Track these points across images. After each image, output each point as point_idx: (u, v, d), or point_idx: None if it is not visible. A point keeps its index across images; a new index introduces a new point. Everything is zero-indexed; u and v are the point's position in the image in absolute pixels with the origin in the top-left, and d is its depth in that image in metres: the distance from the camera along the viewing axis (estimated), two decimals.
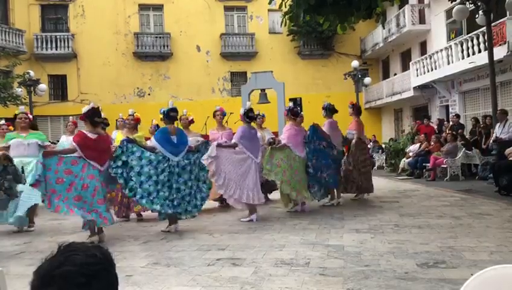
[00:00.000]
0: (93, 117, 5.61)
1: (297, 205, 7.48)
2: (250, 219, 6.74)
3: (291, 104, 7.84)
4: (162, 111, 6.38)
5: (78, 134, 5.73)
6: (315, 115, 8.76)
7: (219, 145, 6.63)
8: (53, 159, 5.36)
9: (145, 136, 7.46)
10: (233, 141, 6.92)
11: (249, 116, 7.02)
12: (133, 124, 7.40)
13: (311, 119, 8.44)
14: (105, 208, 5.53)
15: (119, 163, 5.77)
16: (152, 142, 6.20)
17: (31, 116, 6.82)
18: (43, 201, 5.28)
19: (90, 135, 5.59)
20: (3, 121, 7.35)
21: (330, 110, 8.28)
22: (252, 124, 7.32)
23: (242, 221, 6.74)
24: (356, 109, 8.75)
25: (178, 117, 7.87)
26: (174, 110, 6.34)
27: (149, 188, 5.87)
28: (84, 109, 5.71)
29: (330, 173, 7.85)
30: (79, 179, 5.37)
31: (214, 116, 7.89)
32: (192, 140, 6.98)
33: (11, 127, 6.85)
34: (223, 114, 7.90)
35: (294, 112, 7.68)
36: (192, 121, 8.00)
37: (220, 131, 7.82)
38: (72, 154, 5.52)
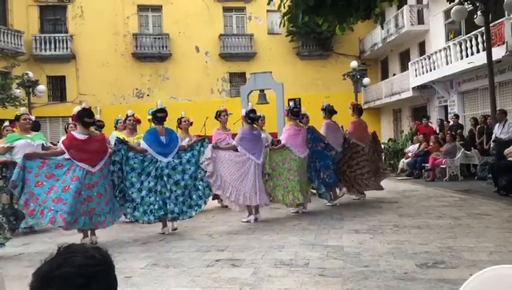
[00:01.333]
0: (84, 118, 5.60)
1: (299, 206, 7.46)
2: (248, 219, 6.74)
3: (291, 103, 7.76)
4: (150, 112, 6.37)
5: (66, 136, 5.74)
6: (315, 116, 8.74)
7: (216, 147, 6.63)
8: (35, 161, 5.34)
9: None
10: (233, 142, 6.91)
11: (250, 117, 6.96)
12: (135, 124, 7.38)
13: (310, 120, 8.45)
14: (82, 210, 5.42)
15: (118, 165, 5.84)
16: (142, 144, 6.17)
17: (33, 117, 6.81)
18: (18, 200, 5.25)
19: (79, 136, 5.57)
20: (7, 123, 7.34)
21: (329, 111, 8.25)
22: (254, 125, 7.28)
23: (242, 221, 6.75)
24: (357, 110, 8.72)
25: (177, 120, 7.88)
26: (161, 110, 6.26)
27: (132, 195, 5.91)
28: (75, 109, 5.72)
29: (329, 174, 7.88)
30: (61, 183, 5.35)
31: (219, 116, 7.70)
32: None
33: (15, 129, 6.83)
34: (227, 114, 7.85)
35: (295, 112, 7.62)
36: (191, 124, 7.97)
37: (225, 131, 7.65)
38: (60, 157, 5.53)
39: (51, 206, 5.25)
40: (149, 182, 5.96)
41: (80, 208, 5.40)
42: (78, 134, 5.60)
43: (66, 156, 5.46)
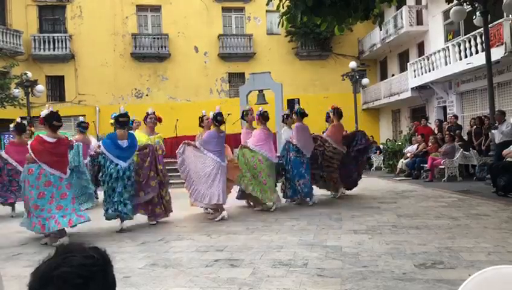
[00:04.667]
0: (52, 121, 5.61)
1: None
2: (222, 215, 6.95)
3: (261, 108, 8.17)
4: (112, 116, 6.55)
5: (35, 138, 5.73)
6: (313, 116, 8.78)
7: (189, 144, 7.20)
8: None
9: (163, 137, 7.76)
10: (196, 143, 7.17)
11: (217, 119, 7.16)
12: (155, 123, 7.30)
13: (309, 120, 8.47)
14: (62, 213, 5.48)
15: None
16: (101, 148, 6.38)
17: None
18: None
19: (49, 138, 5.58)
20: (25, 121, 7.39)
21: (301, 114, 8.47)
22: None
23: (215, 221, 6.90)
24: (337, 113, 8.90)
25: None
26: (123, 115, 6.44)
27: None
28: (43, 112, 5.69)
29: (305, 182, 8.08)
30: (35, 189, 5.43)
31: (246, 115, 8.16)
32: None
33: (32, 128, 6.88)
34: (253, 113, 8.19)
35: (265, 116, 7.99)
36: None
37: (252, 130, 8.09)
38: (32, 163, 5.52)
39: (32, 211, 5.44)
40: (111, 183, 6.22)
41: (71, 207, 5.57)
42: (48, 137, 5.61)
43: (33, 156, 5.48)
